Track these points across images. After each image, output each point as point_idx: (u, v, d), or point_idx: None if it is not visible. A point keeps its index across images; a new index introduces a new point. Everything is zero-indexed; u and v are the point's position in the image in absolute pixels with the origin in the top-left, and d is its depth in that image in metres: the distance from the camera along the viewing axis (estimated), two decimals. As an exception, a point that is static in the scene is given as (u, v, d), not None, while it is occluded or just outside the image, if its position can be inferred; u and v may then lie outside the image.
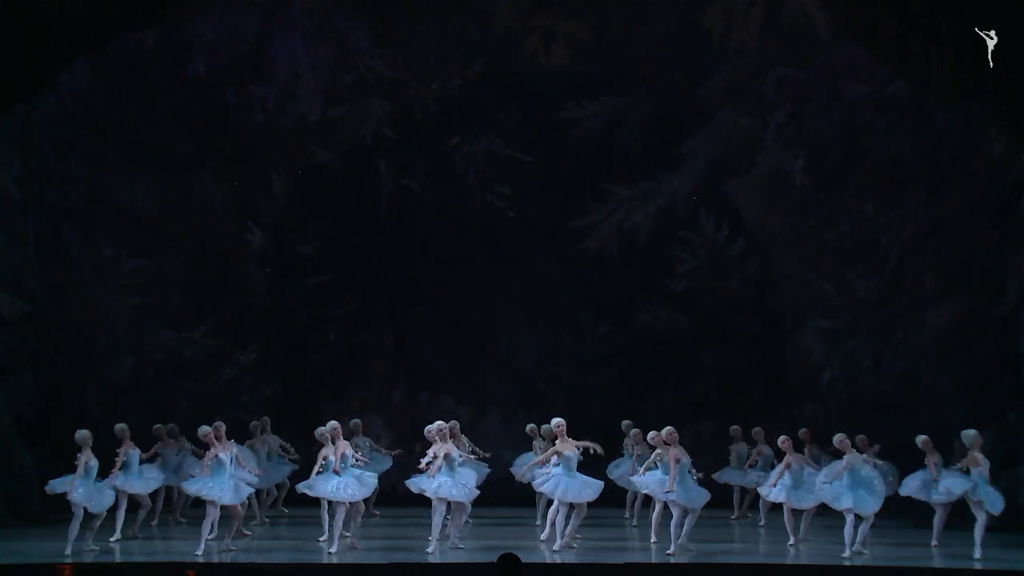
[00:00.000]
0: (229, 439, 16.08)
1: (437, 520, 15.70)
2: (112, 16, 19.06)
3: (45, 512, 18.92)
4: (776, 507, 17.63)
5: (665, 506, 16.18)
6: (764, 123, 23.45)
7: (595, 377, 23.63)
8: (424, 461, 15.81)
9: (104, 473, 16.07)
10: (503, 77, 23.83)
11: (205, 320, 22.93)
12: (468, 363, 23.67)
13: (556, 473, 15.97)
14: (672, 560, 15.38)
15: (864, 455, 16.31)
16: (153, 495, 17.42)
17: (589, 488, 15.93)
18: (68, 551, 15.38)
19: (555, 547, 16.06)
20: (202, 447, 16.71)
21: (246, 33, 23.23)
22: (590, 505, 16.26)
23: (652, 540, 16.59)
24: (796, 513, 16.79)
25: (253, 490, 16.74)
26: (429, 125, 23.86)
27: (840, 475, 15.82)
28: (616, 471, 19.24)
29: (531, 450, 18.88)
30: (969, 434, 16.08)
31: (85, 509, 15.57)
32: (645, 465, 16.38)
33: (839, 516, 16.16)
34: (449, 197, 24.03)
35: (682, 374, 23.47)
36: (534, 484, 17.02)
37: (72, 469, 15.63)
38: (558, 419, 16.21)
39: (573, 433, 16.22)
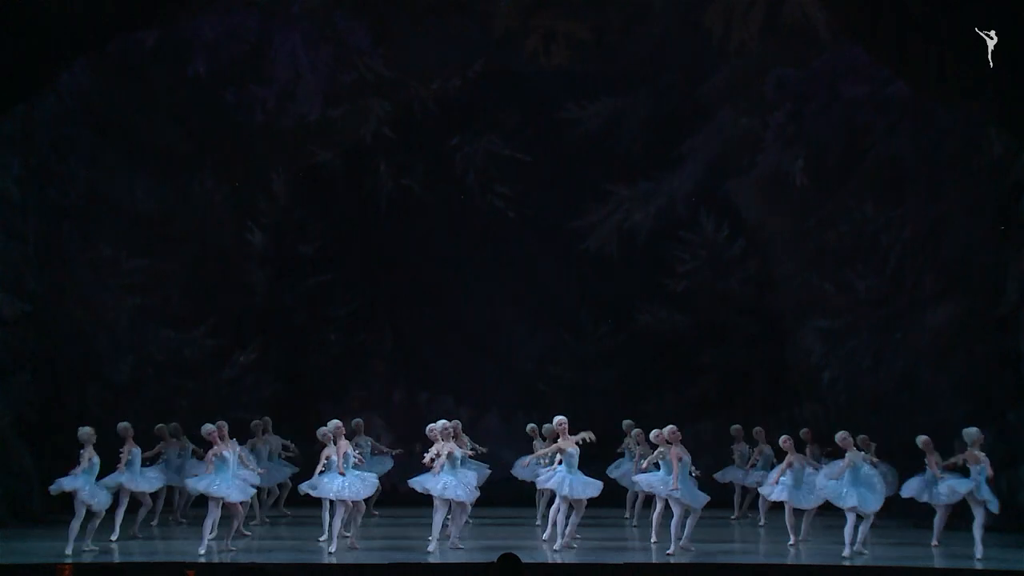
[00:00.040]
0: (231, 438, 16.07)
1: (438, 519, 15.70)
2: (112, 16, 19.04)
3: (45, 512, 18.94)
4: (776, 507, 17.64)
5: (666, 506, 16.18)
6: (764, 123, 23.46)
7: (595, 377, 23.64)
8: (428, 457, 15.80)
9: (104, 472, 16.05)
10: (503, 77, 23.85)
11: (205, 320, 22.93)
12: (468, 363, 23.69)
13: (559, 470, 16.03)
14: (672, 560, 15.38)
15: (863, 453, 16.31)
16: (154, 495, 17.42)
17: (591, 486, 16.00)
18: (69, 551, 15.36)
19: (556, 547, 16.07)
20: (203, 447, 16.69)
21: (246, 33, 23.22)
22: (590, 505, 16.31)
23: (652, 540, 16.59)
24: (798, 513, 16.79)
25: (255, 490, 16.72)
26: (429, 125, 23.87)
27: (842, 473, 15.81)
28: (617, 471, 19.26)
29: (531, 451, 18.86)
30: (971, 432, 16.08)
31: (88, 507, 15.52)
32: (647, 462, 16.37)
33: (839, 516, 16.15)
34: (449, 197, 24.04)
35: (682, 374, 23.49)
36: (537, 482, 17.07)
37: (73, 468, 15.59)
38: (560, 417, 16.23)
39: (573, 433, 16.23)
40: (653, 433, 16.32)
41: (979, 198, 20.59)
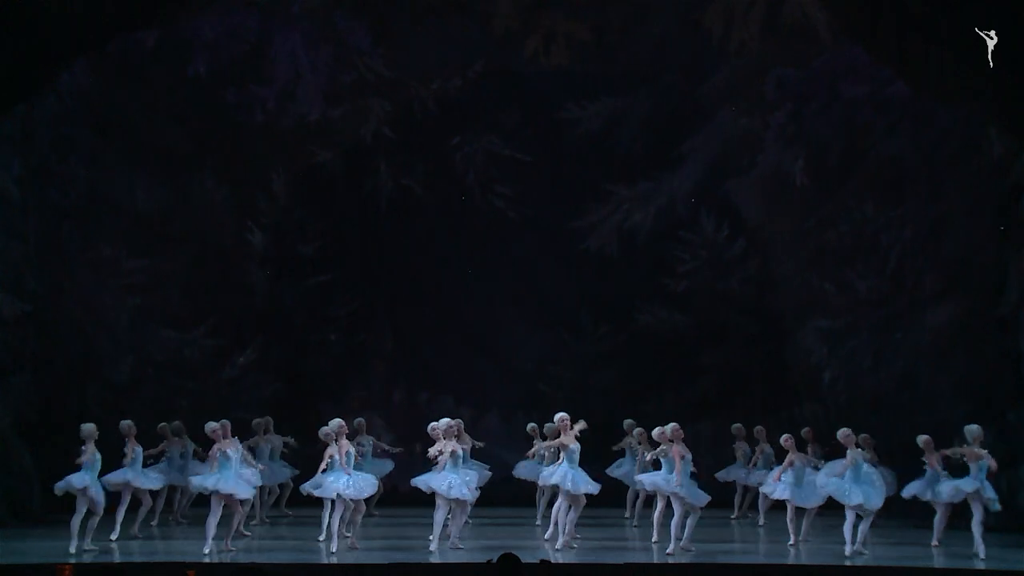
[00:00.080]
0: (233, 437, 16.07)
1: (439, 518, 15.70)
2: (112, 16, 19.00)
3: (45, 512, 18.94)
4: (776, 507, 17.63)
5: (667, 505, 16.19)
6: (764, 123, 23.47)
7: (595, 377, 23.64)
8: (432, 453, 15.79)
9: (104, 471, 16.04)
10: (503, 77, 23.87)
11: (205, 320, 22.93)
12: (468, 363, 23.68)
13: (561, 465, 16.09)
14: (672, 560, 15.38)
15: (863, 451, 16.31)
16: (154, 494, 17.42)
17: (592, 483, 16.07)
18: (72, 548, 15.36)
19: (557, 545, 16.09)
20: (204, 446, 16.67)
21: (246, 33, 23.22)
22: (590, 505, 16.35)
23: (653, 540, 16.59)
24: (799, 512, 16.79)
25: (256, 489, 16.73)
26: (429, 125, 23.87)
27: (844, 471, 15.81)
28: (618, 470, 19.27)
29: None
30: (972, 429, 16.08)
31: (91, 501, 15.49)
32: (648, 457, 16.36)
33: (840, 516, 16.13)
34: (449, 197, 24.04)
35: (682, 374, 23.48)
36: (540, 478, 17.10)
37: (73, 467, 15.58)
38: (562, 413, 16.28)
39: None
40: (656, 431, 16.32)
41: (979, 198, 20.60)
